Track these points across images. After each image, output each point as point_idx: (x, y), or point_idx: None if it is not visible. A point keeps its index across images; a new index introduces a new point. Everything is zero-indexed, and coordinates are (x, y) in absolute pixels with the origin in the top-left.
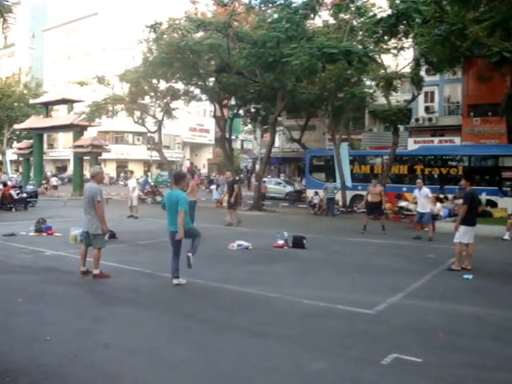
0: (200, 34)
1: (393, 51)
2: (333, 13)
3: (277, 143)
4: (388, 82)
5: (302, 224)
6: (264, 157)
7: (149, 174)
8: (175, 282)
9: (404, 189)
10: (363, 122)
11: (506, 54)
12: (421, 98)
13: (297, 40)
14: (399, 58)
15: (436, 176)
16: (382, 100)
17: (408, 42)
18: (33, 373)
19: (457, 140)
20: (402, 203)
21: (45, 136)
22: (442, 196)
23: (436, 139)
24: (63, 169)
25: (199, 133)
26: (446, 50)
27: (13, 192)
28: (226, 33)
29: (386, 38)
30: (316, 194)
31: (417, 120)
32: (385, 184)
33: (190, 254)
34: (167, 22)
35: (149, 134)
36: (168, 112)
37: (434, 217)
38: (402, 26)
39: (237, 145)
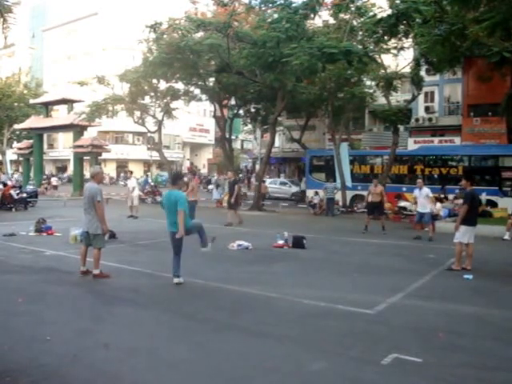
0: (200, 34)
1: (393, 51)
2: (333, 13)
3: (277, 143)
4: (388, 82)
5: (302, 224)
6: (264, 157)
7: (149, 173)
8: (176, 280)
9: (404, 189)
10: (363, 122)
11: (506, 54)
12: (421, 97)
13: (297, 40)
14: (399, 57)
15: (436, 176)
16: (382, 100)
17: (408, 42)
18: (33, 373)
19: (457, 140)
20: (403, 203)
21: (45, 136)
22: (442, 196)
23: (436, 139)
24: (63, 169)
25: (199, 133)
26: (446, 50)
27: (13, 192)
28: (226, 33)
29: (386, 38)
30: (316, 194)
31: (417, 120)
32: (385, 184)
33: (205, 249)
34: (167, 22)
35: (149, 134)
36: (168, 112)
37: (434, 217)
38: (402, 26)
39: (237, 145)
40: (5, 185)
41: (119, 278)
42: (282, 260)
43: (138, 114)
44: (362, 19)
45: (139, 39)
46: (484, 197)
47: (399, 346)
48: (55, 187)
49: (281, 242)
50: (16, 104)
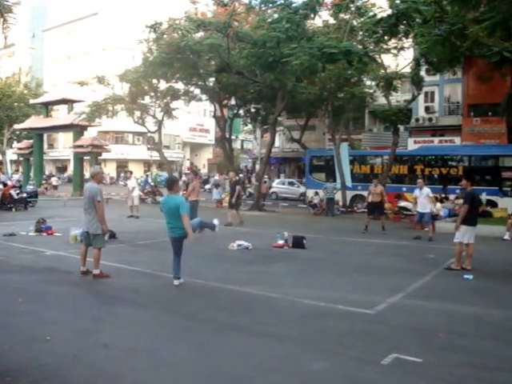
0: (200, 34)
1: (393, 51)
2: (333, 13)
3: (277, 143)
4: (388, 82)
5: (302, 224)
6: (264, 157)
7: (149, 173)
8: (176, 282)
9: (404, 189)
10: (363, 121)
11: (506, 53)
12: (421, 97)
13: (297, 40)
14: (399, 57)
15: (436, 176)
16: (382, 100)
17: (408, 42)
18: (33, 373)
19: (457, 140)
20: (403, 203)
21: (45, 136)
22: (443, 196)
23: (436, 139)
24: (63, 169)
25: (199, 133)
26: (446, 49)
27: (13, 192)
28: (226, 33)
29: (386, 38)
30: (316, 193)
31: (417, 120)
32: (385, 184)
33: (216, 229)
34: (167, 22)
35: (149, 134)
36: (168, 112)
37: (434, 217)
38: (402, 26)
39: (237, 145)
40: (5, 185)
41: (119, 278)
42: (281, 260)
43: (138, 113)
44: (361, 19)
45: (139, 39)
46: (484, 197)
47: (399, 346)
48: (55, 187)
49: (281, 241)
50: (16, 104)
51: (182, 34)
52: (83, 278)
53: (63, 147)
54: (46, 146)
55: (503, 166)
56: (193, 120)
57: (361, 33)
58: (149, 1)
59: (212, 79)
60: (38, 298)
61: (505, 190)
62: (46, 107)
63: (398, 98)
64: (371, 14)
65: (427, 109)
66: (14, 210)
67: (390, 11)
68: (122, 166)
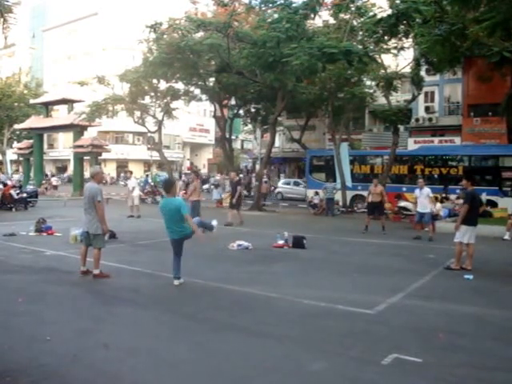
0: (200, 34)
1: (393, 51)
2: (333, 13)
3: (277, 143)
4: (388, 82)
5: (302, 224)
6: (264, 157)
7: (148, 173)
8: (176, 282)
9: (404, 189)
10: (363, 121)
11: (506, 53)
12: (421, 98)
13: (297, 40)
14: (399, 57)
15: (436, 176)
16: (382, 100)
17: (408, 42)
18: (33, 373)
19: (457, 140)
20: (403, 203)
21: (45, 136)
22: (444, 196)
23: (436, 139)
24: (63, 169)
25: (199, 133)
26: (446, 50)
27: (13, 192)
28: (226, 33)
29: (386, 38)
30: (316, 193)
31: (417, 120)
32: (385, 184)
33: (214, 230)
34: (167, 22)
35: (149, 134)
36: (168, 112)
37: (434, 217)
38: (402, 26)
39: (237, 145)
40: (5, 185)
41: (119, 278)
42: (281, 260)
43: (138, 114)
44: (362, 19)
45: (139, 39)
46: (484, 197)
47: (399, 346)
48: (55, 187)
49: (281, 241)
50: (16, 104)
51: (182, 34)
52: (83, 278)
53: (63, 147)
54: (46, 145)
55: (503, 166)
56: (193, 120)
57: (361, 33)
58: (149, 1)
59: (212, 79)
60: (38, 298)
61: (505, 190)
62: (46, 107)
63: (398, 97)
64: (371, 14)
65: (427, 109)
66: (14, 209)
67: (390, 11)
68: (121, 165)
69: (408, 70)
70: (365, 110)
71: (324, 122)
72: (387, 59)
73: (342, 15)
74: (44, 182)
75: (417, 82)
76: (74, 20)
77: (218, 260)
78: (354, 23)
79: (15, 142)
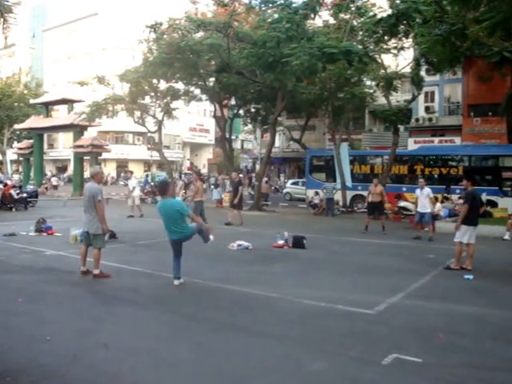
0: (200, 34)
1: (393, 51)
2: (333, 13)
3: (277, 143)
4: (388, 82)
5: (302, 224)
6: (264, 157)
7: (149, 173)
8: (176, 282)
9: (404, 189)
10: (363, 121)
11: (506, 53)
12: (421, 97)
13: (297, 40)
14: (399, 57)
15: (436, 176)
16: (382, 100)
17: (408, 42)
18: (33, 373)
19: (457, 140)
20: (403, 203)
21: (45, 136)
22: (446, 195)
23: (436, 139)
24: (63, 169)
25: (199, 133)
26: (446, 50)
27: (13, 192)
28: (226, 33)
29: (386, 38)
30: (316, 193)
31: (417, 120)
32: (385, 184)
33: (208, 243)
34: (167, 22)
35: (149, 134)
36: (168, 112)
37: (434, 217)
38: (402, 26)
39: (237, 145)
40: (5, 185)
41: (119, 278)
42: (281, 260)
43: (138, 114)
44: (362, 19)
45: (139, 39)
46: (484, 197)
47: (399, 346)
48: (55, 187)
49: (281, 242)
50: (16, 104)
51: (182, 34)
52: (83, 278)
53: (63, 147)
54: (46, 145)
55: (503, 166)
56: (193, 120)
57: (361, 33)
58: (149, 1)
59: (212, 79)
60: (38, 297)
61: (505, 190)
62: (46, 107)
63: (398, 97)
64: (371, 13)
65: (427, 109)
66: (14, 209)
67: (390, 11)
68: (122, 165)
69: (408, 70)
70: (365, 110)
71: (324, 121)
72: (387, 59)
73: (342, 15)
74: (44, 181)
75: (417, 82)
76: (74, 20)
77: (217, 260)
78: (354, 23)
79: (15, 142)
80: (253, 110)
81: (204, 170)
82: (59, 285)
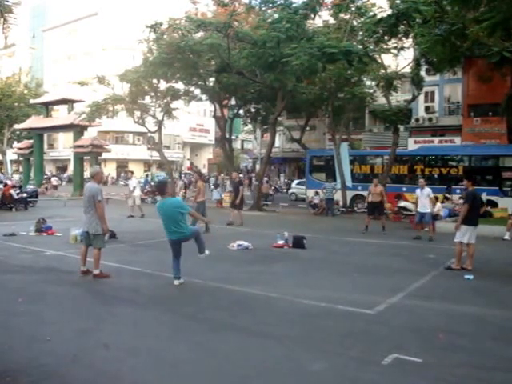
0: (200, 34)
1: (393, 51)
2: (333, 13)
3: (277, 143)
4: (388, 82)
5: (302, 224)
6: (264, 157)
7: (149, 173)
8: (176, 283)
9: (404, 189)
10: (363, 121)
11: (506, 53)
12: (421, 98)
13: (297, 40)
14: (399, 57)
15: (436, 176)
16: (382, 100)
17: (408, 42)
18: (33, 373)
19: (457, 140)
20: (403, 203)
21: (45, 136)
22: (447, 195)
23: (436, 139)
24: (63, 169)
25: (199, 133)
26: (446, 50)
27: (13, 192)
28: (226, 33)
29: (386, 38)
30: (316, 193)
31: (417, 120)
32: (385, 184)
33: (202, 256)
34: (167, 22)
35: (149, 134)
36: (168, 112)
37: (434, 217)
38: (402, 26)
39: (237, 145)
40: (5, 185)
41: (119, 278)
42: (281, 260)
43: (138, 113)
44: (362, 19)
45: (139, 39)
46: (484, 197)
47: (399, 346)
48: (55, 187)
49: (281, 242)
50: (16, 104)
51: (182, 34)
52: (83, 278)
53: (63, 147)
54: (46, 145)
55: (503, 166)
56: (193, 120)
57: (361, 33)
58: (149, 1)
59: (212, 79)
60: (38, 297)
61: (505, 190)
62: (46, 107)
63: (398, 97)
64: (371, 13)
65: (427, 109)
66: (14, 209)
67: (390, 11)
68: (122, 165)
69: (408, 70)
70: (365, 110)
71: (324, 121)
72: (387, 59)
73: (342, 15)
74: (44, 181)
75: (417, 82)
76: (74, 20)
77: (217, 260)
78: (354, 23)
79: (15, 142)
80: (253, 110)
81: (204, 170)
82: (59, 285)
